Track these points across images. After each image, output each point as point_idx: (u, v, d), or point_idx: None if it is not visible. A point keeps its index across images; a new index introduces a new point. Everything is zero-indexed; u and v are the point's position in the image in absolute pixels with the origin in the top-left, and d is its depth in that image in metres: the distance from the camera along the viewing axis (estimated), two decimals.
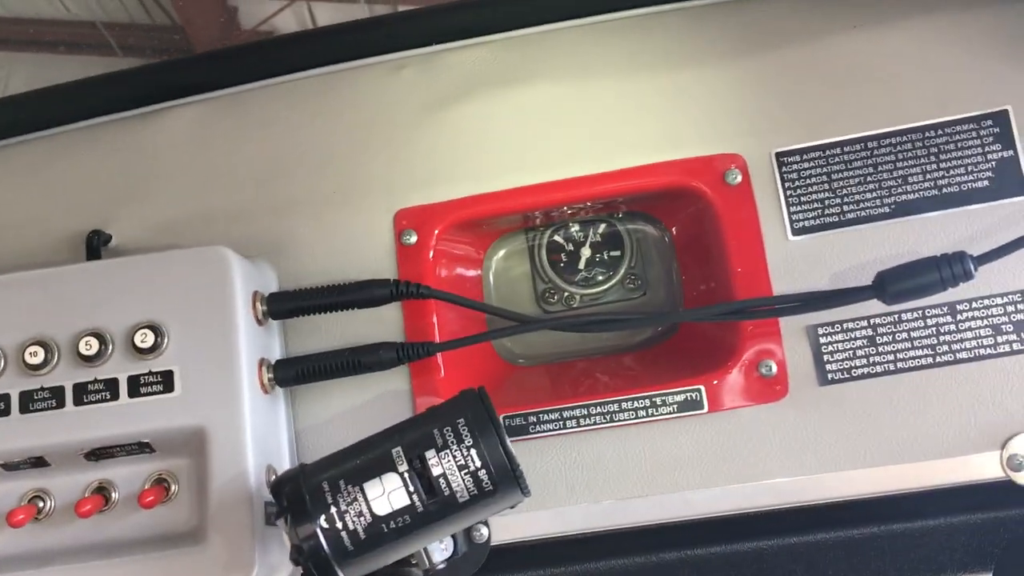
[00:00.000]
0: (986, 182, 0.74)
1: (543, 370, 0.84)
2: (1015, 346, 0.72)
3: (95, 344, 0.67)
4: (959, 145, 0.75)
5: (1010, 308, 0.72)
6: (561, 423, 0.75)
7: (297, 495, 0.58)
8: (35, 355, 0.67)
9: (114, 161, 0.81)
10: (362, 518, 0.57)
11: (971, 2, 0.77)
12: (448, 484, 0.58)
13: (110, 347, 0.67)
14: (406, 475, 0.58)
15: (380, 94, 0.81)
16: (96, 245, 0.76)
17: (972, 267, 0.66)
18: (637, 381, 0.76)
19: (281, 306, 0.73)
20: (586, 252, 0.87)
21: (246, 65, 0.82)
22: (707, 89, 0.78)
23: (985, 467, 0.72)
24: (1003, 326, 0.72)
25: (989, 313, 0.73)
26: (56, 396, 0.67)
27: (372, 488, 0.57)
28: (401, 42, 0.82)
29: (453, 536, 0.71)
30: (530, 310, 0.86)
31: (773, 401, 0.74)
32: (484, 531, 0.74)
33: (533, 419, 0.75)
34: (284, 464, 0.72)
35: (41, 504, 0.68)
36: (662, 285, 0.85)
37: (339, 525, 0.57)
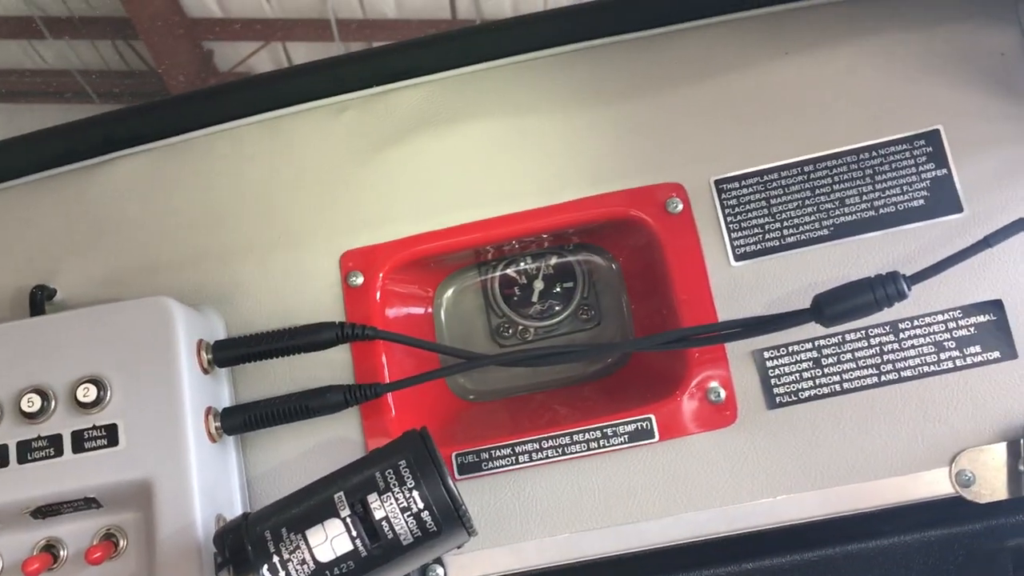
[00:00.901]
0: (921, 201, 0.75)
1: (497, 405, 0.84)
2: (958, 362, 0.73)
3: (37, 401, 0.66)
4: (893, 166, 0.76)
5: (951, 324, 0.73)
6: (514, 458, 0.75)
7: (239, 545, 0.58)
8: None
9: (58, 215, 0.81)
10: (305, 566, 0.56)
11: (900, 26, 0.79)
12: (391, 527, 0.57)
13: (53, 403, 0.67)
14: (348, 520, 0.57)
15: (322, 137, 0.81)
16: (40, 300, 0.76)
17: (905, 287, 0.66)
18: (590, 412, 0.76)
19: (227, 354, 0.72)
20: (539, 285, 0.87)
21: (187, 114, 0.82)
22: (646, 120, 0.79)
23: (935, 484, 0.72)
24: (945, 343, 0.73)
25: (931, 330, 0.73)
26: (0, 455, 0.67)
27: (314, 535, 0.57)
28: (341, 85, 0.82)
29: None
30: (485, 345, 0.86)
31: (723, 427, 0.74)
32: (440, 571, 0.73)
33: (485, 455, 0.75)
34: (236, 513, 0.72)
35: None
36: (615, 315, 0.86)
37: (282, 574, 0.56)
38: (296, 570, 0.56)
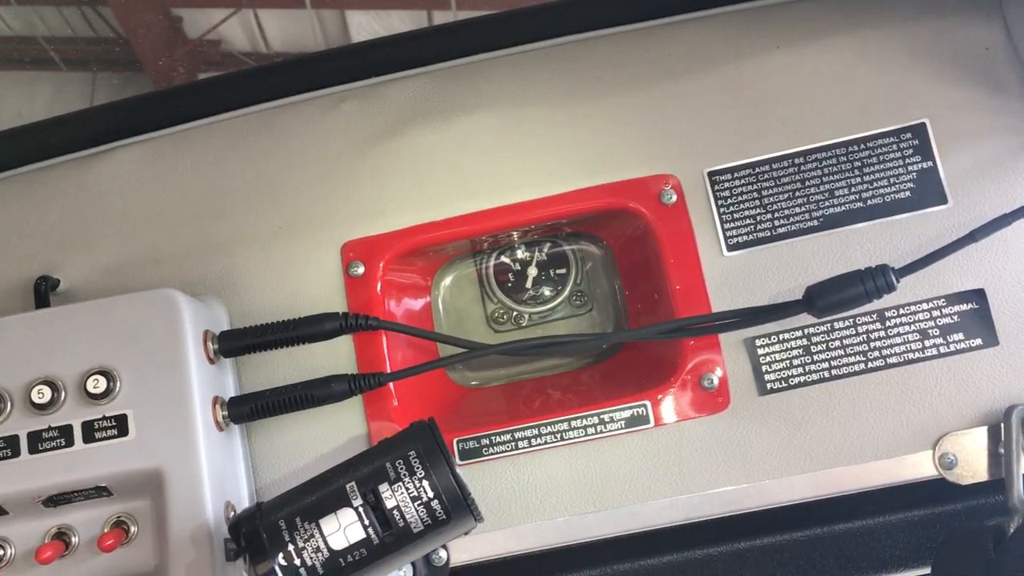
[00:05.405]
0: (908, 193, 0.77)
1: (496, 391, 0.86)
2: (941, 349, 0.76)
3: (47, 392, 0.67)
4: (881, 158, 0.78)
5: (935, 313, 0.76)
6: (513, 444, 0.77)
7: (254, 534, 0.59)
8: None
9: (59, 205, 0.82)
10: (319, 554, 0.58)
11: (888, 21, 0.81)
12: (402, 515, 0.59)
13: (62, 394, 0.68)
14: (361, 509, 0.59)
15: (322, 128, 0.82)
16: (44, 291, 0.77)
17: (894, 279, 0.69)
18: (588, 398, 0.79)
19: (232, 344, 0.74)
20: (533, 271, 0.88)
21: (188, 104, 0.83)
22: (641, 112, 0.81)
23: (919, 466, 0.75)
24: (930, 330, 0.76)
25: (916, 319, 0.76)
26: (11, 445, 0.67)
27: (328, 524, 0.59)
28: (341, 76, 0.83)
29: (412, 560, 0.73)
30: (481, 331, 0.88)
31: (716, 413, 0.76)
32: (443, 554, 0.75)
33: (486, 441, 0.77)
34: (243, 500, 0.73)
35: (1, 552, 0.68)
36: (607, 301, 0.88)
37: (297, 562, 0.58)
38: (311, 557, 0.58)
